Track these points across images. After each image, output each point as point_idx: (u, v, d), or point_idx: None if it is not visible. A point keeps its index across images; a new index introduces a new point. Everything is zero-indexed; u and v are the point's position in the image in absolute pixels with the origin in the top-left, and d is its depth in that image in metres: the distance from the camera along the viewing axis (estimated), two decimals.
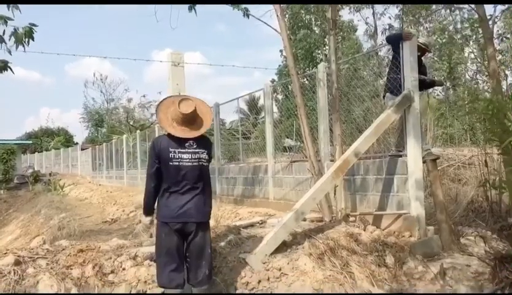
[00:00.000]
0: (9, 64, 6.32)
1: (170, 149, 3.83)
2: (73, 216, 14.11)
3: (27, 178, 28.43)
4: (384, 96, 6.82)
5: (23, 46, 5.91)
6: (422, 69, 6.73)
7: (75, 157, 35.92)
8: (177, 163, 3.82)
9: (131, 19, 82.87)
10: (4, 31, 5.87)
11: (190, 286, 3.94)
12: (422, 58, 6.78)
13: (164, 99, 4.13)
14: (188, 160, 3.84)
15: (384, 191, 6.45)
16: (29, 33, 5.86)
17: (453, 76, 19.28)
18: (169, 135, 3.90)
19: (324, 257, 5.10)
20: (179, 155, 3.82)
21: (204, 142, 3.97)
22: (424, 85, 6.80)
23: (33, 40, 5.91)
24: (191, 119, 3.86)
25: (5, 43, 5.95)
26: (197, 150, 3.88)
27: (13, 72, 6.36)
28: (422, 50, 6.67)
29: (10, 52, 6.02)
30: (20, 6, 5.80)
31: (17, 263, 4.20)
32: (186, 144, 3.85)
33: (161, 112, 3.93)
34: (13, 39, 5.85)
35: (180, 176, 3.84)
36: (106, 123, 42.85)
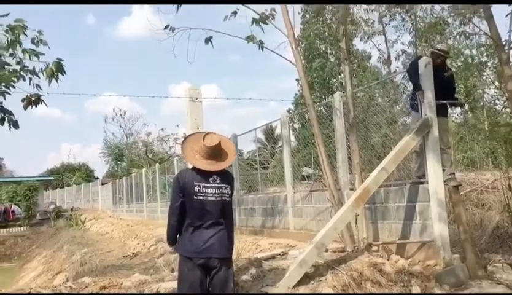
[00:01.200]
0: (42, 97, 6.45)
1: (195, 183, 3.82)
2: (94, 251, 14.19)
3: (49, 214, 28.73)
4: (411, 105, 6.74)
5: (56, 80, 6.07)
6: (449, 88, 6.66)
7: (95, 192, 36.26)
8: (201, 198, 3.81)
9: (148, 54, 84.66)
10: (34, 66, 6.08)
11: None
12: (447, 74, 6.66)
13: (189, 135, 4.20)
14: (211, 195, 3.82)
15: (406, 219, 6.36)
16: (58, 67, 6.03)
17: (472, 99, 19.14)
18: (194, 169, 3.91)
19: (348, 289, 5.01)
20: (203, 189, 3.81)
21: (227, 177, 3.97)
22: (446, 107, 6.73)
23: (64, 74, 6.07)
24: (216, 153, 3.89)
25: (38, 77, 6.13)
26: (221, 185, 3.87)
27: (46, 105, 6.46)
28: (441, 56, 6.55)
29: (39, 86, 6.21)
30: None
31: None
32: (211, 179, 3.85)
33: (187, 147, 3.98)
34: (42, 75, 6.04)
35: (204, 211, 3.82)
36: (126, 157, 43.30)
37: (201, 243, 3.79)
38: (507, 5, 6.40)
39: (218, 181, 3.86)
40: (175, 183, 3.96)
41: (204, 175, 3.84)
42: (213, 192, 3.82)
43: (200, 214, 3.82)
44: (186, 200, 3.86)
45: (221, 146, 3.93)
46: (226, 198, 3.91)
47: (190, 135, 4.21)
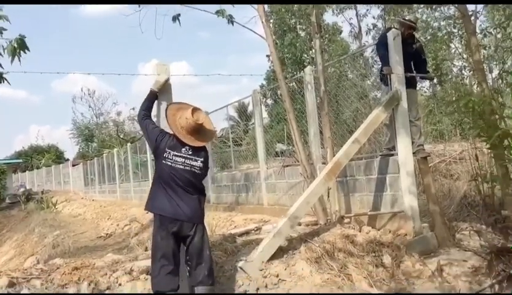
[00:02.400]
0: (4, 75, 6.18)
1: (167, 149, 3.97)
2: (67, 233, 14.01)
3: (19, 197, 28.11)
4: (380, 79, 6.80)
5: (19, 59, 5.80)
6: (418, 61, 6.72)
7: (66, 174, 35.66)
8: (170, 164, 3.95)
9: (115, 33, 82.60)
10: None
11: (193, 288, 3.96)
12: (416, 45, 6.71)
13: (168, 105, 4.21)
14: (180, 164, 3.96)
15: (377, 191, 6.47)
16: (21, 44, 5.77)
17: (440, 72, 19.43)
18: (172, 135, 4.03)
19: (321, 260, 5.08)
20: (174, 157, 3.96)
21: (199, 150, 4.07)
22: (414, 79, 6.80)
23: (27, 51, 5.80)
24: (199, 130, 4.04)
25: (2, 55, 5.85)
26: (191, 157, 3.99)
27: (9, 83, 6.21)
28: (410, 28, 6.58)
29: (1, 66, 5.94)
30: None
31: (11, 284, 4.16)
32: (183, 149, 3.98)
33: (174, 115, 4.05)
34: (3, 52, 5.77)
35: (173, 177, 3.93)
36: (96, 137, 42.52)
37: (173, 205, 3.91)
38: None
39: (190, 153, 4.00)
40: (159, 129, 4.15)
41: (179, 144, 3.99)
42: (183, 161, 3.97)
43: (170, 178, 3.95)
44: (156, 158, 4.08)
45: (205, 125, 4.08)
46: (196, 170, 4.02)
47: (176, 103, 4.26)
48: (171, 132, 4.04)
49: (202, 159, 4.06)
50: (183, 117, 3.99)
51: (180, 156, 3.96)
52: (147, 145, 16.98)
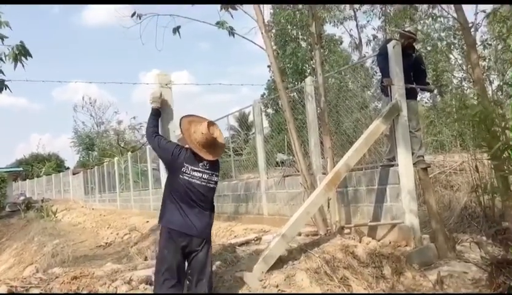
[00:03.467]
0: (6, 82, 6.22)
1: (185, 164, 3.96)
2: (66, 241, 13.98)
3: (19, 206, 28.07)
4: (381, 90, 6.84)
5: (22, 64, 5.85)
6: (418, 71, 6.75)
7: (66, 182, 35.64)
8: (187, 179, 3.93)
9: (115, 42, 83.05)
10: None
11: None
12: (415, 55, 6.74)
13: (190, 115, 4.19)
14: (198, 179, 3.95)
15: (377, 201, 6.46)
16: (23, 50, 5.81)
17: (440, 83, 19.46)
18: (189, 150, 4.01)
19: (321, 271, 5.06)
20: (191, 172, 3.94)
21: (216, 165, 4.12)
22: (415, 90, 6.83)
23: (30, 56, 5.84)
24: (215, 144, 4.03)
25: (3, 61, 5.90)
26: (209, 172, 4.01)
27: (10, 91, 6.27)
28: (409, 38, 6.61)
29: (2, 72, 5.98)
30: None
31: (10, 293, 4.14)
32: (201, 164, 3.98)
33: (189, 129, 4.02)
34: (6, 59, 5.81)
35: (188, 192, 3.92)
36: (97, 146, 42.47)
37: (186, 220, 3.90)
38: None
39: (207, 167, 4.00)
40: (174, 144, 4.17)
41: (196, 159, 3.97)
42: (201, 176, 3.96)
43: (185, 193, 3.93)
44: (171, 173, 4.04)
45: (218, 140, 4.07)
46: (211, 185, 4.05)
47: (190, 116, 4.22)
48: (186, 146, 4.04)
49: (217, 173, 4.09)
50: (199, 131, 3.97)
51: (198, 171, 3.95)
52: (148, 155, 17.04)
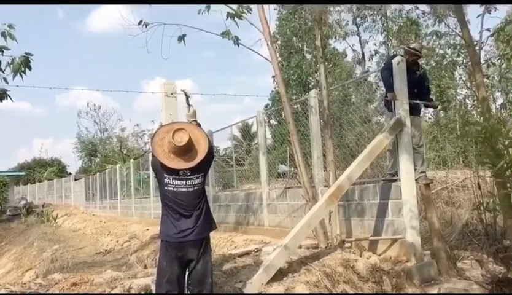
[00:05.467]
0: (7, 92, 6.33)
1: (165, 175, 3.90)
2: (66, 247, 13.99)
3: (20, 210, 28.09)
4: (385, 105, 6.86)
5: (21, 76, 5.94)
6: (422, 88, 6.78)
7: (68, 188, 35.64)
8: (172, 189, 3.90)
9: (119, 49, 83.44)
10: (0, 61, 5.94)
11: None
12: (419, 72, 6.77)
13: (158, 129, 4.15)
14: (183, 186, 3.90)
15: (379, 216, 6.45)
16: (26, 62, 5.90)
17: (444, 100, 19.50)
18: None
19: (321, 285, 5.05)
20: (174, 181, 3.89)
21: (198, 166, 3.94)
22: (418, 106, 6.86)
23: (30, 70, 5.95)
24: (187, 149, 3.87)
25: (3, 71, 5.99)
26: (191, 177, 3.93)
27: (12, 100, 6.37)
28: (414, 55, 6.66)
29: (6, 80, 6.06)
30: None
31: None
32: (181, 172, 3.89)
33: (156, 144, 3.94)
34: (8, 69, 5.90)
35: (177, 201, 3.90)
36: (100, 152, 42.61)
37: (179, 229, 3.87)
38: (479, 6, 6.54)
39: (188, 174, 3.92)
40: (153, 167, 4.11)
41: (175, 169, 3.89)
42: (184, 183, 3.91)
43: (175, 203, 3.91)
44: (160, 187, 4.00)
45: (192, 143, 3.90)
46: (197, 187, 3.98)
47: (159, 128, 4.17)
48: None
49: (201, 173, 3.99)
50: (166, 141, 3.87)
51: (179, 179, 3.89)
52: (149, 162, 17.08)
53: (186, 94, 4.45)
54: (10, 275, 12.92)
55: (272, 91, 27.61)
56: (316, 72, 24.62)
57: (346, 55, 26.69)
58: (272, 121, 23.28)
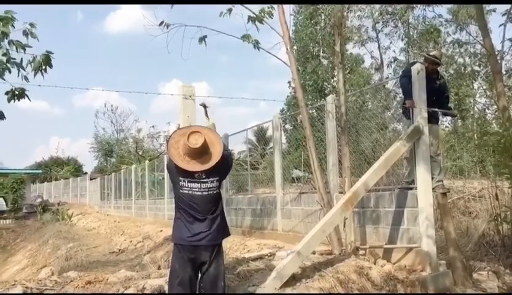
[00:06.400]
0: (26, 92, 6.40)
1: (180, 178, 3.91)
2: (80, 246, 14.12)
3: (36, 207, 28.49)
4: (402, 112, 6.83)
5: (42, 74, 6.01)
6: (441, 96, 6.72)
7: (83, 187, 35.99)
8: (187, 192, 3.90)
9: (136, 51, 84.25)
10: (22, 58, 6.02)
11: None
12: (439, 81, 6.71)
13: (173, 132, 4.17)
14: (197, 190, 3.90)
15: (394, 224, 6.39)
16: (47, 60, 5.98)
17: (462, 108, 19.32)
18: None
19: (334, 291, 5.02)
20: (189, 184, 3.89)
21: (213, 169, 3.92)
22: (437, 114, 6.79)
23: (51, 67, 6.02)
24: (202, 152, 3.86)
25: (24, 69, 6.06)
26: (206, 180, 3.92)
27: (29, 100, 6.43)
28: (434, 63, 6.61)
29: (26, 78, 6.13)
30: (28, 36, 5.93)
31: (25, 294, 4.19)
32: (196, 175, 3.89)
33: (172, 146, 3.95)
34: (29, 67, 5.98)
35: (192, 204, 3.90)
36: (115, 153, 43.05)
37: (192, 232, 3.88)
38: (500, 16, 6.48)
39: (204, 177, 3.91)
40: (168, 170, 4.11)
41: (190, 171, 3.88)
42: (199, 186, 3.90)
43: (189, 206, 3.91)
44: (174, 190, 4.00)
45: (207, 144, 3.90)
46: (213, 192, 3.97)
47: (174, 132, 4.18)
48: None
49: (217, 177, 3.98)
50: (181, 143, 3.87)
51: (194, 182, 3.89)
52: (164, 164, 17.19)
53: (204, 107, 4.47)
54: (24, 271, 13.08)
55: (287, 96, 27.64)
56: (333, 78, 24.57)
57: (363, 61, 26.59)
58: (287, 126, 23.28)
